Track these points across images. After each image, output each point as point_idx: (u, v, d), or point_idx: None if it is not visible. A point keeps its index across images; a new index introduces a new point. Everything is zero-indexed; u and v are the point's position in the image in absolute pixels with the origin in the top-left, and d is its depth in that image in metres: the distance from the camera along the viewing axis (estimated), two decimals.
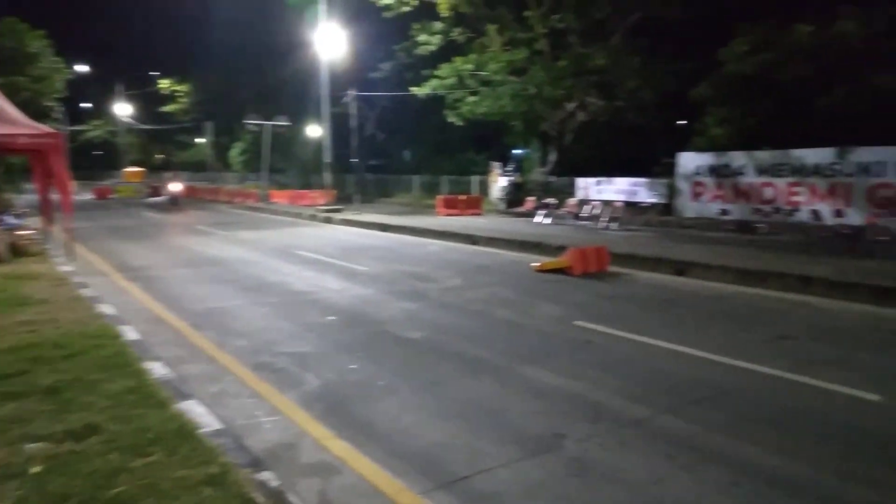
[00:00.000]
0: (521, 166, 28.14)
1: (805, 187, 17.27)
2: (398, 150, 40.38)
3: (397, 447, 4.02)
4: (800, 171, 17.40)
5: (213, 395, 4.89)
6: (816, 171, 17.05)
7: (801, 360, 5.81)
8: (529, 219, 20.82)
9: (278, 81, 40.11)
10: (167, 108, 59.13)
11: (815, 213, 16.43)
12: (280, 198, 32.14)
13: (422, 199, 30.70)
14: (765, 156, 18.12)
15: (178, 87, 58.01)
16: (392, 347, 6.30)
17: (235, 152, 49.48)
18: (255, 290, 9.23)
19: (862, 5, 16.64)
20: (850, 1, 16.89)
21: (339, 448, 3.99)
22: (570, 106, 24.33)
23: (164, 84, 57.67)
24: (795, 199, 17.42)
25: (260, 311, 7.93)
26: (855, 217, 15.62)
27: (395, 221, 19.68)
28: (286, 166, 43.38)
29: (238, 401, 4.80)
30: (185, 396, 4.61)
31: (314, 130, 34.39)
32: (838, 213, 15.90)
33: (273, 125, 32.39)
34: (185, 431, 3.87)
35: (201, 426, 4.04)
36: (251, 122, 33.13)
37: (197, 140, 58.81)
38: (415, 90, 25.83)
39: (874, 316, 7.84)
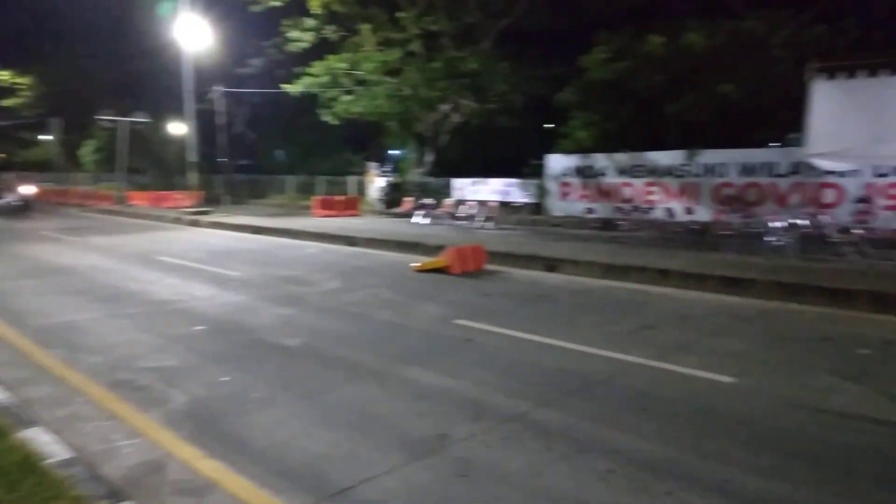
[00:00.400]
0: (398, 167, 28.16)
1: (659, 187, 18.69)
2: (270, 149, 38.99)
3: (275, 462, 3.80)
4: (655, 172, 18.79)
5: (61, 419, 4.38)
6: (669, 172, 18.51)
7: (663, 348, 6.22)
8: (408, 219, 20.87)
9: (136, 74, 37.29)
10: (6, 103, 52.95)
11: (669, 211, 17.80)
12: (140, 200, 29.91)
13: (297, 200, 29.84)
14: (624, 158, 19.39)
15: (18, 80, 52.17)
16: (267, 356, 6.00)
17: (87, 151, 45.36)
18: (111, 301, 8.46)
19: (706, 19, 18.27)
20: (696, 15, 18.49)
21: (211, 468, 3.71)
22: (445, 107, 24.68)
23: (3, 76, 51.66)
24: (651, 198, 18.80)
25: (117, 323, 7.27)
26: (703, 214, 17.12)
27: (268, 223, 18.95)
28: (146, 166, 40.47)
29: (92, 424, 4.34)
30: (29, 423, 4.10)
31: (177, 128, 32.31)
32: (689, 211, 17.35)
33: (130, 122, 30.04)
34: (28, 464, 3.44)
35: (48, 456, 3.61)
36: (105, 118, 30.51)
37: (42, 137, 53.25)
38: (287, 88, 25.04)
39: (723, 303, 8.59)
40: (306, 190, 30.54)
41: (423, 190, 24.58)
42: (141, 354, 5.99)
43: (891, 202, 14.63)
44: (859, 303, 8.25)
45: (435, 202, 21.47)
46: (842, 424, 4.37)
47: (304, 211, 24.70)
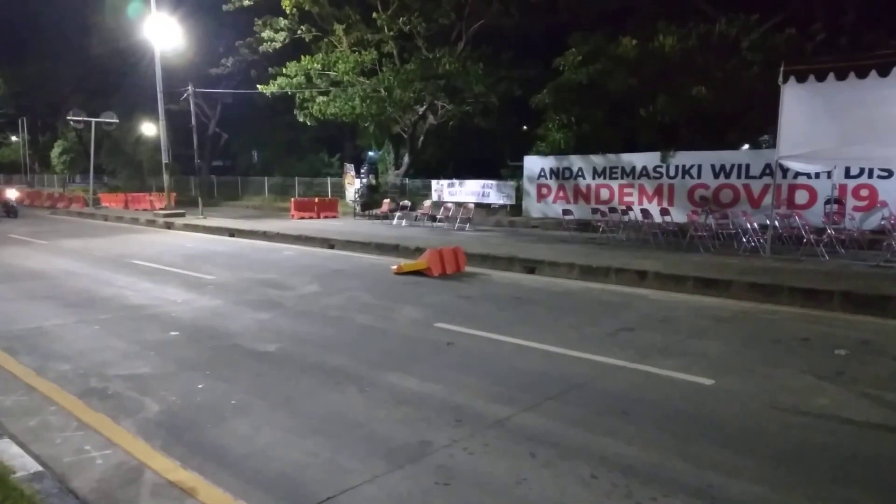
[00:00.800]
0: (375, 168, 28.03)
1: (635, 188, 18.87)
2: (245, 150, 38.56)
3: (252, 472, 3.71)
4: (630, 173, 18.97)
5: (30, 430, 4.24)
6: (644, 173, 18.69)
7: (643, 350, 6.24)
8: (386, 221, 20.80)
9: (107, 75, 36.57)
10: None
11: (645, 212, 17.95)
12: (112, 202, 29.38)
13: (273, 202, 29.56)
14: (600, 160, 19.55)
15: None
16: (244, 362, 5.88)
17: (57, 152, 44.40)
18: (82, 306, 8.25)
19: (677, 23, 18.48)
20: (668, 18, 18.69)
21: (186, 479, 3.61)
22: (421, 109, 24.63)
23: None
24: (628, 199, 18.97)
25: (88, 329, 7.08)
26: (678, 215, 17.29)
27: (244, 226, 18.71)
28: (117, 167, 39.75)
29: (63, 435, 4.19)
30: None
31: (149, 128, 31.76)
32: (664, 212, 17.50)
33: (101, 122, 29.45)
34: None
35: (15, 470, 3.47)
36: (75, 119, 29.88)
37: (14, 139, 51.98)
38: (261, 88, 24.79)
39: (701, 305, 8.67)
40: (283, 192, 30.28)
41: (400, 192, 24.52)
42: (113, 361, 5.83)
43: (861, 203, 14.94)
44: (834, 303, 8.39)
45: (413, 204, 21.41)
46: (821, 426, 4.41)
47: (280, 213, 24.48)
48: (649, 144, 18.58)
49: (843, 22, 17.23)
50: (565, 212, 18.30)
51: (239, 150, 38.54)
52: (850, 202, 15.07)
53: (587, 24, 20.02)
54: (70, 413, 4.58)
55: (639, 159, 18.75)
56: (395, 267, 11.29)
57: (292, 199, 24.62)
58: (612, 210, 18.35)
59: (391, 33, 23.39)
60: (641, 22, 19.06)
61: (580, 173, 19.98)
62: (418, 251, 12.03)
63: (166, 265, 11.89)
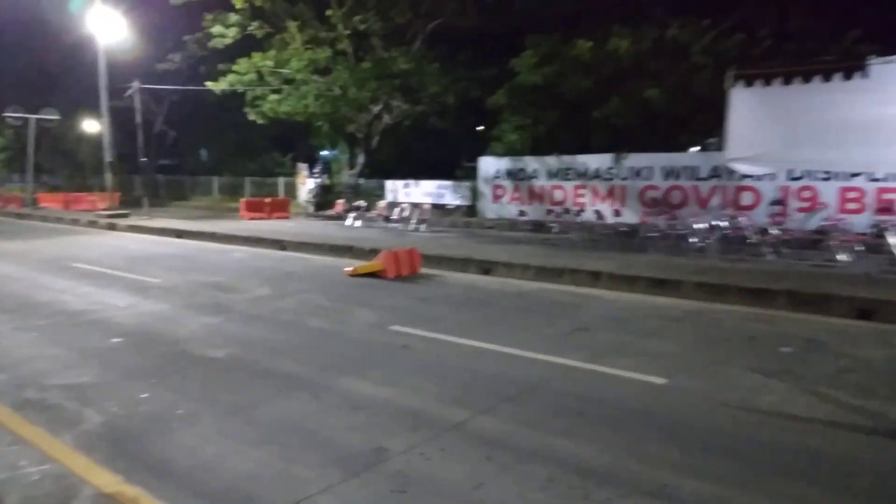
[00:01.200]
0: (329, 168, 27.67)
1: (589, 190, 19.13)
2: (193, 149, 37.55)
3: (201, 485, 3.56)
4: (584, 175, 19.22)
5: None
6: (597, 175, 18.97)
7: (597, 350, 6.29)
8: (340, 222, 20.54)
9: (47, 70, 35.06)
10: None
11: (599, 213, 18.24)
12: (51, 202, 28.20)
13: (223, 202, 28.86)
14: (554, 161, 19.75)
15: None
16: (192, 369, 5.67)
17: None
18: (17, 312, 7.84)
19: (631, 26, 18.83)
20: (622, 21, 19.03)
21: (129, 495, 3.43)
22: (376, 108, 24.43)
23: None
24: (581, 200, 19.22)
25: (24, 336, 6.72)
26: (630, 216, 17.62)
27: (192, 227, 18.18)
28: (57, 166, 38.18)
29: None
30: None
31: (92, 126, 30.58)
32: (617, 213, 17.81)
33: (40, 119, 28.21)
34: None
35: None
36: (13, 115, 28.51)
37: None
38: (210, 85, 24.15)
39: (652, 305, 8.81)
40: (232, 192, 29.60)
41: (355, 192, 24.27)
42: (51, 371, 5.54)
43: (803, 204, 15.49)
44: (778, 302, 8.65)
45: (367, 204, 21.21)
46: (770, 423, 4.51)
47: (230, 213, 23.91)
48: (603, 146, 18.87)
49: (788, 28, 17.85)
50: (520, 213, 18.41)
51: (187, 148, 37.49)
52: (793, 204, 15.62)
53: (543, 26, 20.19)
54: (4, 426, 4.32)
55: (592, 161, 19.02)
56: (349, 269, 11.13)
57: (242, 200, 24.08)
58: (566, 211, 18.57)
59: (346, 31, 23.11)
60: (596, 25, 19.35)
61: (535, 174, 20.15)
62: (373, 252, 11.89)
63: (109, 268, 11.43)
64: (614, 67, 18.74)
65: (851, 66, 11.19)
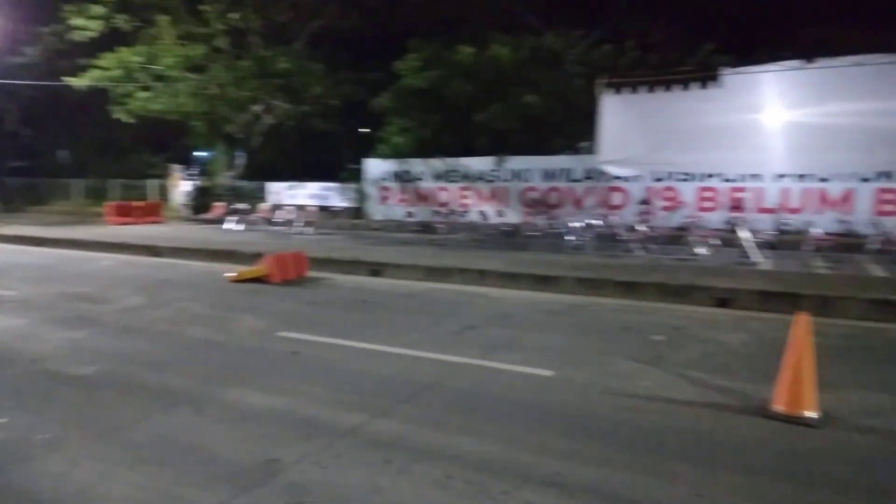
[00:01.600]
0: (205, 170, 26.35)
1: (473, 191, 19.60)
2: (51, 149, 34.32)
3: None
4: (468, 177, 19.68)
5: None
6: (481, 177, 19.48)
7: (487, 347, 6.44)
8: (219, 225, 19.60)
9: None
10: None
11: (483, 214, 18.71)
12: None
13: (87, 206, 26.62)
14: (439, 163, 20.04)
15: None
16: (55, 389, 5.17)
17: None
18: None
19: (510, 34, 19.50)
20: (500, 29, 19.66)
21: None
22: (256, 108, 23.58)
23: None
24: (466, 201, 19.64)
25: None
26: (512, 216, 18.22)
27: (52, 233, 16.63)
28: None
29: None
30: None
31: None
32: (500, 214, 18.35)
33: None
34: None
35: None
36: None
37: None
38: (71, 81, 22.19)
39: (537, 300, 9.15)
40: (98, 195, 27.36)
41: (235, 194, 23.27)
42: None
43: (667, 203, 16.74)
44: (649, 294, 9.29)
45: (249, 207, 20.42)
46: (647, 407, 4.81)
47: (95, 218, 22.12)
48: (485, 149, 19.40)
49: (651, 40, 19.24)
50: (407, 214, 18.49)
51: (44, 149, 34.21)
52: (658, 203, 16.85)
53: (425, 30, 20.42)
54: None
55: (475, 163, 19.50)
56: (231, 274, 10.65)
57: (109, 204, 22.33)
58: (452, 212, 18.89)
59: (222, 27, 22.07)
60: (475, 32, 19.85)
61: (421, 176, 20.35)
62: (257, 257, 11.45)
63: None
64: (495, 74, 19.33)
65: (706, 76, 12.27)
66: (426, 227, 18.54)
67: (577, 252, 13.56)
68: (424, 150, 20.41)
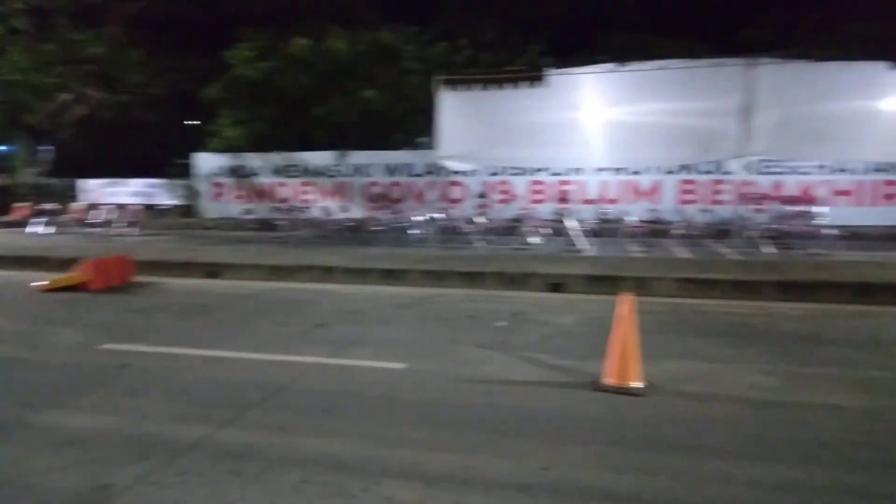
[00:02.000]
0: (3, 166, 23.17)
1: (314, 187, 19.20)
2: None
3: None
4: (308, 172, 19.24)
5: None
6: (322, 172, 19.14)
7: (337, 344, 6.35)
8: (22, 229, 17.33)
9: None
10: None
11: (325, 210, 18.40)
12: None
13: None
14: (277, 158, 19.38)
15: None
16: None
17: None
18: None
19: (347, 27, 19.30)
20: (338, 22, 19.40)
21: None
22: (65, 97, 21.13)
23: None
24: (307, 197, 19.20)
25: None
26: (356, 211, 18.12)
27: None
28: None
29: None
30: None
31: None
32: (343, 209, 18.17)
33: None
34: None
35: None
36: None
37: None
38: None
39: (384, 294, 9.19)
40: None
41: (41, 193, 20.70)
42: None
43: (502, 196, 17.61)
44: (490, 282, 9.72)
45: (59, 207, 18.28)
46: (496, 390, 5.03)
47: None
48: (325, 144, 19.09)
49: (483, 39, 20.04)
50: (246, 211, 17.67)
51: None
52: (494, 196, 17.67)
53: (257, 19, 19.57)
54: None
55: (316, 158, 19.12)
56: (41, 283, 9.46)
57: None
58: (293, 208, 18.39)
59: (21, 6, 19.44)
60: (311, 23, 19.39)
61: (258, 172, 19.53)
62: (71, 262, 10.28)
63: None
64: (333, 67, 19.05)
65: (534, 76, 13.03)
66: (266, 225, 17.86)
67: (421, 245, 13.82)
68: (261, 144, 19.62)
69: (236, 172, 19.64)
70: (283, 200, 19.16)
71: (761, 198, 15.74)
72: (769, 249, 12.53)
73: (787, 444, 4.00)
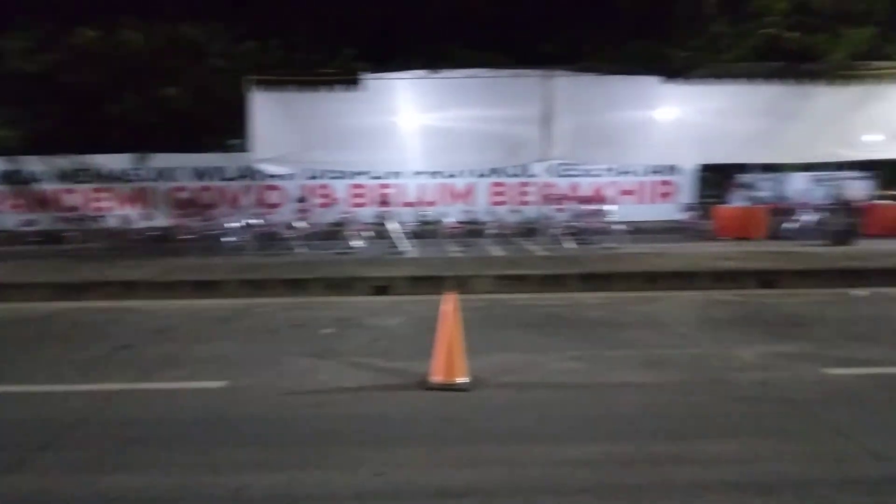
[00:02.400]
0: None
1: (110, 193, 17.35)
2: None
3: None
4: (102, 177, 17.33)
5: None
6: (119, 177, 17.35)
7: (146, 367, 5.78)
8: None
9: None
10: None
11: (125, 218, 16.71)
12: None
13: None
14: (64, 162, 17.21)
15: None
16: None
17: None
18: None
19: (143, 18, 17.68)
20: (129, 12, 17.70)
21: None
22: None
23: None
24: (101, 205, 17.29)
25: None
26: (161, 219, 16.69)
27: None
28: None
29: None
30: None
31: None
32: (146, 217, 16.64)
33: None
34: None
35: None
36: None
37: None
38: None
39: (198, 308, 8.56)
40: None
41: None
42: None
43: (323, 200, 17.33)
44: (313, 289, 9.51)
45: None
46: (327, 400, 4.90)
47: None
48: (122, 146, 17.31)
49: (295, 40, 19.51)
50: (26, 222, 15.47)
51: None
52: (314, 200, 17.32)
53: (34, 5, 17.21)
54: None
55: (112, 161, 17.28)
56: None
57: None
58: (84, 218, 16.50)
59: None
60: (99, 13, 17.48)
61: (40, 177, 17.18)
62: None
63: None
64: (126, 62, 17.37)
65: (349, 79, 12.98)
66: (51, 237, 15.80)
67: (237, 253, 13.12)
68: (42, 145, 17.27)
69: (10, 178, 17.09)
70: (72, 209, 17.06)
71: (561, 198, 17.20)
72: (570, 245, 13.76)
73: (598, 422, 4.41)
